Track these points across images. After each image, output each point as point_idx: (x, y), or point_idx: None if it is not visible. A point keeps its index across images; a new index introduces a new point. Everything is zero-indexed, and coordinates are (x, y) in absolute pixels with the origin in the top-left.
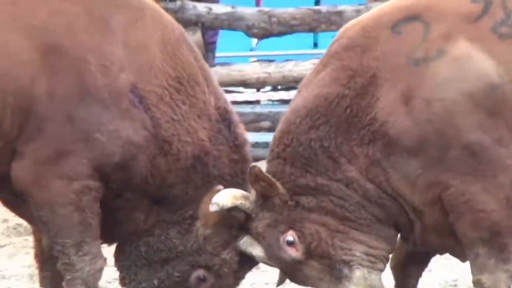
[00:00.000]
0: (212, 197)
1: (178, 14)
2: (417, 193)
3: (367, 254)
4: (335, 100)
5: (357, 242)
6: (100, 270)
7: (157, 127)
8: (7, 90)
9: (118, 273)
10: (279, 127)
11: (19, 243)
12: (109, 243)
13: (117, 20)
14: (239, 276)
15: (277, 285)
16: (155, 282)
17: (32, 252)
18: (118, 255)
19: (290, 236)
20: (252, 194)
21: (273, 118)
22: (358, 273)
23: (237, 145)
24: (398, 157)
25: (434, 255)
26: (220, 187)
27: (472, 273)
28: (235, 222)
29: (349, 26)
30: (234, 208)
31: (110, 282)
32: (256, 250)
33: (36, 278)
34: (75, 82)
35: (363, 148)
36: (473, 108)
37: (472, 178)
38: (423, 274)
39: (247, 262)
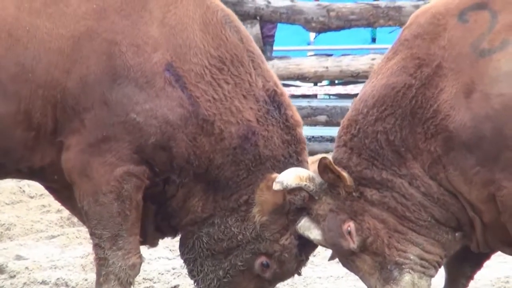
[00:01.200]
0: (267, 184)
1: (237, 7)
2: (474, 190)
3: (421, 258)
4: (402, 90)
5: (413, 245)
6: (133, 266)
7: (196, 106)
8: (37, 81)
9: (168, 265)
10: (348, 114)
11: (72, 233)
12: (172, 235)
13: (156, 0)
14: (301, 259)
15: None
16: (221, 272)
17: (84, 242)
18: (182, 249)
19: (350, 226)
20: (317, 176)
21: (330, 112)
22: (407, 277)
23: (288, 126)
24: (457, 153)
25: (488, 258)
26: (277, 174)
27: None
28: (292, 207)
29: (420, 12)
30: (298, 188)
31: (162, 274)
32: (314, 234)
33: (88, 268)
34: (104, 65)
35: (427, 143)
36: None
37: None
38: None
39: (308, 245)
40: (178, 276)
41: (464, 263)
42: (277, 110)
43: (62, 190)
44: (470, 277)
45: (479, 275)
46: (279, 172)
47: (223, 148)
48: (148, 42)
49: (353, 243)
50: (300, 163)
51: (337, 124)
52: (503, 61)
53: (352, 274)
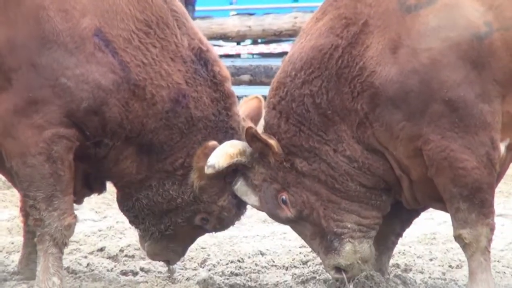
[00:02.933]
0: (205, 151)
1: None
2: (400, 146)
3: (359, 224)
4: (329, 51)
5: (348, 213)
6: (69, 226)
7: (127, 71)
8: None
9: (94, 227)
10: (277, 75)
11: None
12: (99, 191)
13: None
14: (239, 213)
15: None
16: (162, 227)
17: (10, 206)
18: (121, 206)
19: (284, 196)
20: (248, 148)
21: (253, 72)
22: (348, 247)
23: (216, 83)
24: (383, 108)
25: (417, 215)
26: (214, 142)
27: (454, 227)
28: (228, 170)
29: None
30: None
31: (88, 236)
32: (252, 200)
33: (15, 231)
34: (33, 29)
35: (354, 102)
36: (459, 61)
37: (453, 134)
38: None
39: (245, 203)
40: (104, 238)
41: (394, 220)
42: (204, 67)
43: None
44: (399, 234)
45: (407, 232)
46: (211, 131)
47: (155, 113)
48: (76, 7)
49: (290, 213)
50: (230, 117)
51: (261, 83)
52: (431, 16)
53: (278, 233)
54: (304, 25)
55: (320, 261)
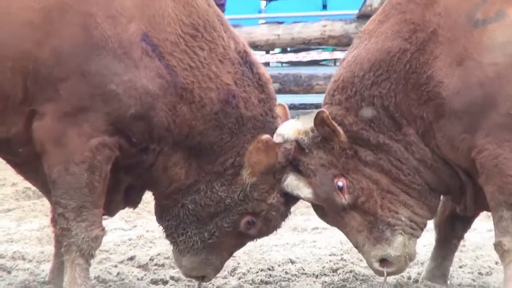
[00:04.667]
0: (257, 146)
1: None
2: (461, 157)
3: (411, 220)
4: (397, 55)
5: (404, 206)
6: (96, 238)
7: (174, 75)
8: (6, 54)
9: (124, 236)
10: (342, 74)
11: (28, 206)
12: (134, 206)
13: None
14: (285, 215)
15: None
16: (206, 234)
17: (40, 215)
18: (162, 215)
19: (341, 182)
20: (311, 131)
21: (282, 80)
22: (400, 238)
23: (261, 84)
24: (446, 120)
25: (477, 216)
26: (266, 135)
27: (495, 235)
28: (279, 166)
29: None
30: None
31: (118, 245)
32: (304, 192)
33: (45, 241)
34: (80, 36)
35: (419, 109)
36: None
37: (509, 144)
38: (428, 234)
39: (291, 201)
40: (134, 247)
41: (455, 223)
42: (250, 70)
43: (24, 164)
44: (461, 237)
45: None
46: (260, 131)
47: (204, 115)
48: (122, 13)
49: (344, 199)
50: (275, 119)
51: (290, 92)
52: (498, 32)
53: (308, 241)
54: (365, 26)
55: (351, 269)
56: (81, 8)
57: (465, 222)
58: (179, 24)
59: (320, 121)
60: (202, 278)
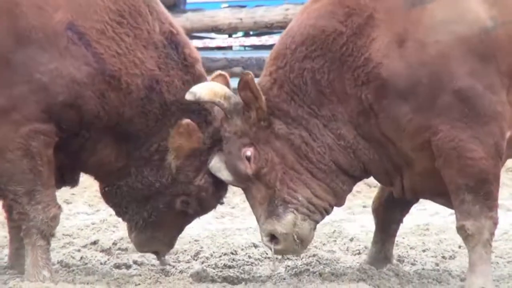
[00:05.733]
0: (179, 130)
1: None
2: (406, 138)
3: (309, 202)
4: (332, 35)
5: (305, 186)
6: (54, 217)
7: (101, 63)
8: None
9: (88, 220)
10: (275, 47)
11: None
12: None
13: None
14: (219, 195)
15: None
16: (145, 214)
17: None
18: (105, 196)
19: (249, 152)
20: (234, 97)
21: (245, 64)
22: (290, 216)
23: (187, 65)
24: (390, 101)
25: (416, 201)
26: (187, 120)
27: (457, 218)
28: (203, 148)
29: None
30: (209, 103)
31: (81, 229)
32: (225, 174)
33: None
34: (6, 26)
35: (356, 89)
36: (467, 53)
37: (462, 124)
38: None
39: (223, 182)
40: (97, 231)
41: (394, 208)
42: (175, 50)
43: None
44: (400, 220)
45: None
46: (185, 114)
47: (131, 101)
48: (48, 2)
49: (250, 169)
50: None
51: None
52: (438, 10)
53: None
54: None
55: (314, 253)
56: None
57: (404, 206)
58: (106, 11)
59: (244, 84)
60: (156, 253)
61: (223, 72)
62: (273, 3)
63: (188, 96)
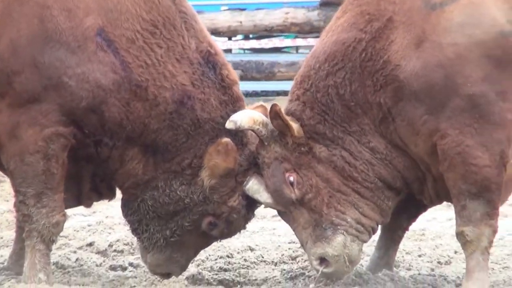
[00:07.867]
0: (217, 149)
1: None
2: (420, 141)
3: (358, 222)
4: (352, 44)
5: (353, 207)
6: (57, 224)
7: (128, 71)
8: None
9: (84, 222)
10: (300, 70)
11: None
12: (109, 197)
13: None
14: (248, 218)
15: None
16: (168, 232)
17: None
18: (125, 210)
19: (292, 177)
20: (270, 124)
21: (244, 67)
22: (339, 238)
23: (224, 86)
24: (406, 103)
25: (424, 210)
26: (227, 139)
27: (457, 224)
28: (240, 169)
29: None
30: (250, 130)
31: (77, 231)
32: (264, 197)
33: (4, 226)
34: (36, 28)
35: (375, 95)
36: (483, 57)
37: (471, 130)
38: None
39: (255, 204)
40: (93, 233)
41: (401, 215)
42: (212, 70)
43: None
44: (406, 228)
45: None
46: (220, 134)
47: (158, 114)
48: (79, 7)
49: (294, 194)
50: None
51: (252, 78)
52: (456, 13)
53: (267, 229)
54: (327, 26)
55: None
56: (39, 0)
57: (411, 213)
58: (138, 20)
59: (274, 114)
60: (167, 275)
61: (263, 104)
62: (273, 7)
63: (229, 125)
